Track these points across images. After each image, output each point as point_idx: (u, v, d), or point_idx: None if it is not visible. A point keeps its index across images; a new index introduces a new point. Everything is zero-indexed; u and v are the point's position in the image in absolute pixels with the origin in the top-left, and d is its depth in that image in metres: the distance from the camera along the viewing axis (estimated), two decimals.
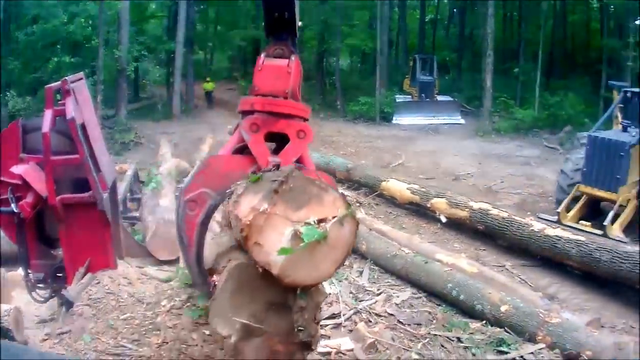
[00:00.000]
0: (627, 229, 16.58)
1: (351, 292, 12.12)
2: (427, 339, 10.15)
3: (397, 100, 39.88)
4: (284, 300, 4.84)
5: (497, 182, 23.38)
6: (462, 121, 37.85)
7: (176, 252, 13.13)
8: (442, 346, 9.94)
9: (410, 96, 41.03)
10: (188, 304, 9.13)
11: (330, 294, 11.21)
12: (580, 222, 16.83)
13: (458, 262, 13.40)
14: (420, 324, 10.78)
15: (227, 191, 5.21)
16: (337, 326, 10.25)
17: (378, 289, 12.52)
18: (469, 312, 11.41)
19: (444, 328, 10.73)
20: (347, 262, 12.06)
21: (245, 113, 5.60)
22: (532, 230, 15.06)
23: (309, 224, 4.45)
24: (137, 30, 39.49)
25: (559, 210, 17.10)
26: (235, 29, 51.54)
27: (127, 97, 36.16)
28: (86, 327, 8.99)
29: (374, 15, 44.96)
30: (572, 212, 17.28)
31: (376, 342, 9.40)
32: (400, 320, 10.95)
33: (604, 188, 16.97)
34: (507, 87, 41.33)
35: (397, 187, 19.35)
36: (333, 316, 10.64)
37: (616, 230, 16.20)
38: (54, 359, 6.18)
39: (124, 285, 10.25)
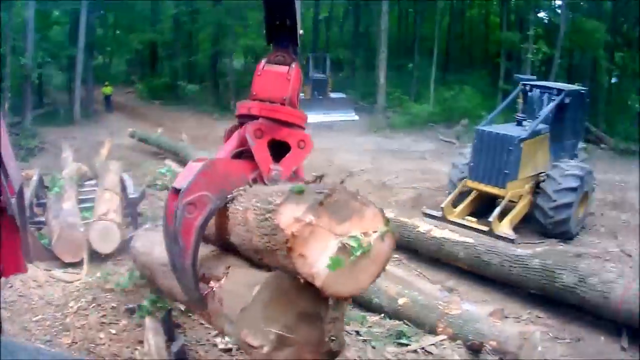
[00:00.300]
0: (524, 226, 16.92)
1: None
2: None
3: None
4: (317, 311, 4.82)
5: (391, 177, 23.45)
6: (356, 117, 38.05)
7: (80, 254, 13.19)
8: (347, 334, 9.56)
9: (303, 94, 40.10)
10: (94, 304, 8.99)
11: None
12: (466, 217, 16.77)
13: None
14: None
15: (229, 196, 5.25)
16: None
17: None
18: (367, 305, 11.30)
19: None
20: None
21: (243, 117, 5.61)
22: (419, 231, 14.92)
23: (355, 237, 4.41)
24: (42, 37, 39.06)
25: (442, 205, 16.98)
26: (133, 33, 51.18)
27: (32, 103, 35.95)
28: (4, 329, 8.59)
29: None
30: (459, 208, 17.23)
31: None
32: None
33: (491, 183, 16.88)
34: (402, 83, 41.84)
35: None
36: None
37: (504, 227, 16.19)
38: (53, 357, 5.94)
39: (34, 288, 9.92)
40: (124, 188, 16.69)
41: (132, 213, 15.85)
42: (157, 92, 48.13)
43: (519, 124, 17.75)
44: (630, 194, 23.26)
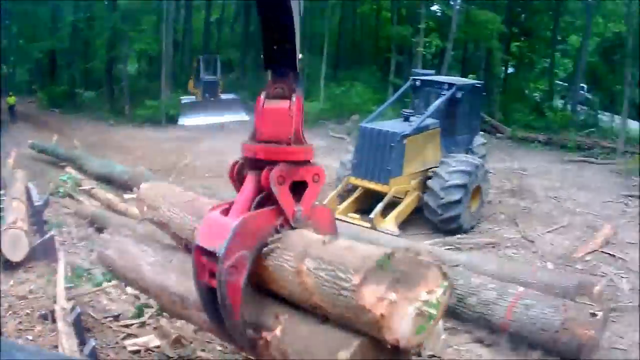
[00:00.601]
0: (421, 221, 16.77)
1: None
2: None
3: (183, 102, 40.12)
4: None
5: None
6: (247, 118, 37.71)
7: None
8: None
9: (194, 97, 41.12)
10: (10, 312, 9.30)
11: (131, 293, 11.16)
12: (349, 214, 16.40)
13: None
14: None
15: (265, 249, 5.35)
16: (142, 325, 10.01)
17: None
18: None
19: None
20: None
21: (256, 161, 5.55)
22: None
23: (429, 302, 4.79)
24: None
25: (325, 202, 16.43)
26: (34, 42, 50.62)
27: None
28: None
29: (162, 18, 44.22)
30: (343, 204, 16.92)
31: (180, 337, 9.35)
32: None
33: (374, 180, 16.62)
34: None
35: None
36: (137, 315, 10.40)
37: (388, 223, 15.91)
38: (53, 358, 5.50)
39: None
40: (29, 197, 16.32)
41: (37, 221, 15.39)
42: (57, 100, 48.12)
43: (406, 119, 17.53)
44: (528, 181, 23.71)
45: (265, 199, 5.50)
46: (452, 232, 16.53)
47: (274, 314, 5.48)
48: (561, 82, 51.01)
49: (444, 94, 17.88)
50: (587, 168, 27.88)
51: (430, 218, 16.70)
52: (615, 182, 25.01)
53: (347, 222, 15.36)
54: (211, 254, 5.21)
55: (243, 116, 38.42)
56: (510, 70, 47.22)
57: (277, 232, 5.42)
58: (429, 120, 17.45)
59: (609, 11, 43.71)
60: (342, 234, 6.24)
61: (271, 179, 5.28)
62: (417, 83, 18.92)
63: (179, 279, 6.63)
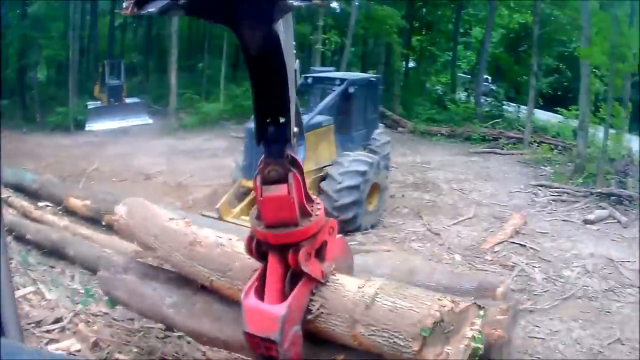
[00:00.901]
0: None
1: (67, 296, 11.89)
2: (142, 332, 10.36)
3: (89, 107, 39.25)
4: None
5: (186, 177, 23.26)
6: (150, 121, 37.76)
7: None
8: (157, 337, 10.17)
9: (100, 102, 40.36)
10: None
11: (50, 299, 11.37)
12: (242, 217, 15.70)
13: None
14: (133, 319, 10.71)
15: (309, 317, 5.66)
16: (62, 330, 10.22)
17: (90, 291, 12.20)
18: None
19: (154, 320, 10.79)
20: (59, 269, 13.39)
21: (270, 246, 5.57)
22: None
23: (475, 338, 5.35)
24: None
25: (217, 206, 16.01)
26: None
27: None
28: None
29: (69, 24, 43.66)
30: (238, 207, 16.25)
31: (98, 340, 9.63)
32: (114, 317, 10.93)
33: None
34: (193, 83, 42.31)
35: (76, 204, 17.86)
36: (57, 321, 10.53)
37: None
38: (55, 358, 5.74)
39: None
40: None
41: None
42: None
43: None
44: (431, 174, 23.84)
45: (294, 273, 5.58)
46: (352, 233, 16.10)
47: (332, 357, 5.90)
48: (464, 75, 51.60)
49: (334, 90, 17.51)
50: (493, 159, 28.16)
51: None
52: (523, 172, 25.33)
53: (241, 225, 14.66)
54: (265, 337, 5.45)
55: (147, 120, 38.20)
56: (411, 64, 47.56)
57: (313, 294, 5.72)
58: (321, 118, 16.97)
59: (515, 3, 44.09)
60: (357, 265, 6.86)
61: (300, 261, 5.37)
62: (310, 80, 18.59)
63: (213, 325, 6.93)
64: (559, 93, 44.81)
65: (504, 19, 47.23)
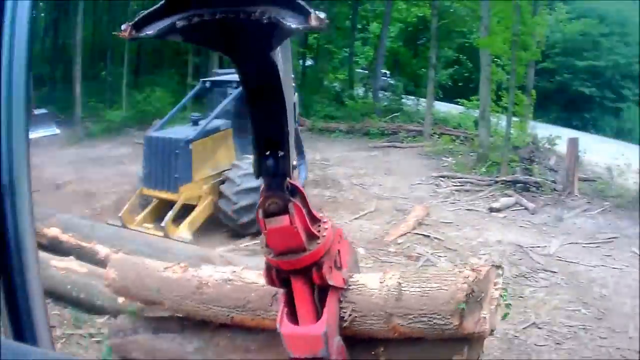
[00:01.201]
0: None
1: None
2: (64, 339, 10.43)
3: None
4: None
5: (94, 186, 22.94)
6: (58, 131, 36.88)
7: None
8: (78, 343, 10.29)
9: None
10: None
11: None
12: (144, 224, 15.97)
13: (69, 265, 12.49)
14: (54, 326, 10.59)
15: (344, 325, 6.04)
16: None
17: None
18: (92, 308, 11.40)
19: (74, 327, 11.01)
20: None
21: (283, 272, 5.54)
22: (100, 257, 13.42)
23: (502, 296, 5.95)
24: None
25: (120, 214, 15.99)
26: None
27: None
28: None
29: None
30: (141, 215, 16.43)
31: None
32: None
33: (164, 189, 16.19)
34: (98, 91, 41.82)
35: None
36: None
37: (181, 231, 15.47)
38: (58, 358, 4.92)
39: None
40: None
41: None
42: None
43: (195, 123, 17.14)
44: (331, 170, 23.96)
45: (320, 289, 5.69)
46: (255, 235, 15.96)
47: (370, 352, 6.21)
48: (363, 71, 51.38)
49: (231, 93, 17.58)
50: (393, 153, 28.49)
51: (227, 224, 16.38)
52: (424, 164, 25.65)
53: (142, 232, 15.09)
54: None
55: (55, 130, 37.08)
56: (309, 62, 47.65)
57: (340, 301, 5.99)
58: (219, 122, 17.20)
59: None
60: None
61: (325, 278, 5.43)
62: (207, 84, 18.72)
63: (246, 357, 6.97)
64: (459, 84, 45.48)
65: (402, 13, 47.72)
